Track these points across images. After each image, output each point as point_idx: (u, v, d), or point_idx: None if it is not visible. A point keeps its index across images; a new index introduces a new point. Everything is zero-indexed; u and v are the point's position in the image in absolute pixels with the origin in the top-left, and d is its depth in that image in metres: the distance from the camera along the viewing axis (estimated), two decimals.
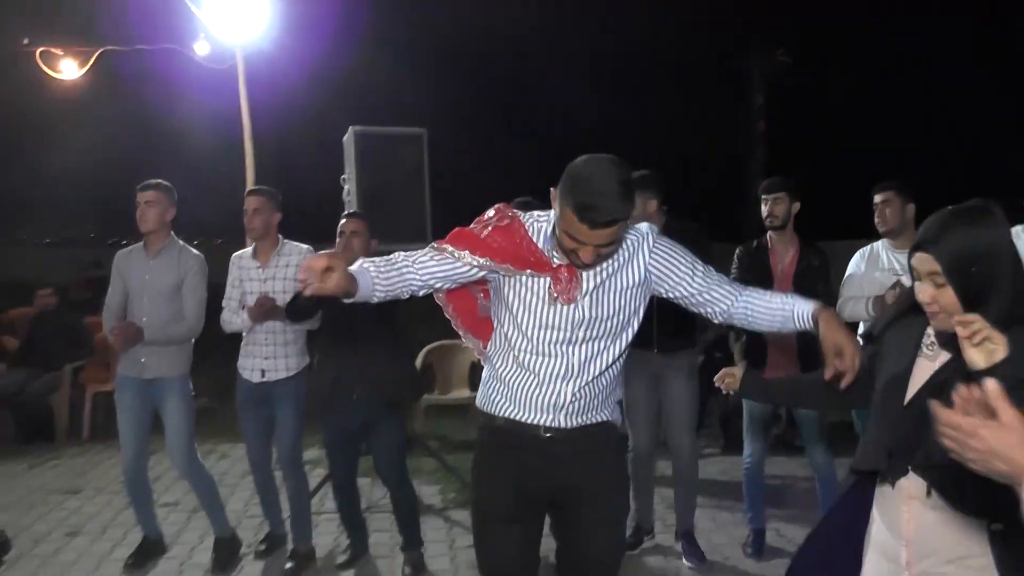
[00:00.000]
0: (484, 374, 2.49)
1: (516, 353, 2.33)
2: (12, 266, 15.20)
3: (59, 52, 7.52)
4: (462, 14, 18.45)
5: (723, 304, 2.34)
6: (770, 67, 20.35)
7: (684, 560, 4.12)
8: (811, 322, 2.20)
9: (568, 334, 2.27)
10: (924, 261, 1.82)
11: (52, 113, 13.30)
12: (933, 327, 1.89)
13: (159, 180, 4.14)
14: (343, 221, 3.98)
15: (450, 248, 2.26)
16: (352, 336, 3.81)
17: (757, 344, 4.10)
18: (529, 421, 2.34)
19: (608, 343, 2.32)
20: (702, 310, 2.37)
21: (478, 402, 2.48)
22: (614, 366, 2.37)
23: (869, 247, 4.11)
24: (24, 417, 6.67)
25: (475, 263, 2.24)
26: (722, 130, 21.42)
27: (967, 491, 1.72)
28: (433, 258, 2.26)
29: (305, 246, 4.19)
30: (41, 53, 7.44)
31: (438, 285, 2.31)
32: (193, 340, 4.19)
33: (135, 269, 4.12)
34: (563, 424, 2.33)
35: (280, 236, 4.19)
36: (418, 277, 2.26)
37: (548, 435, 2.33)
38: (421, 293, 2.34)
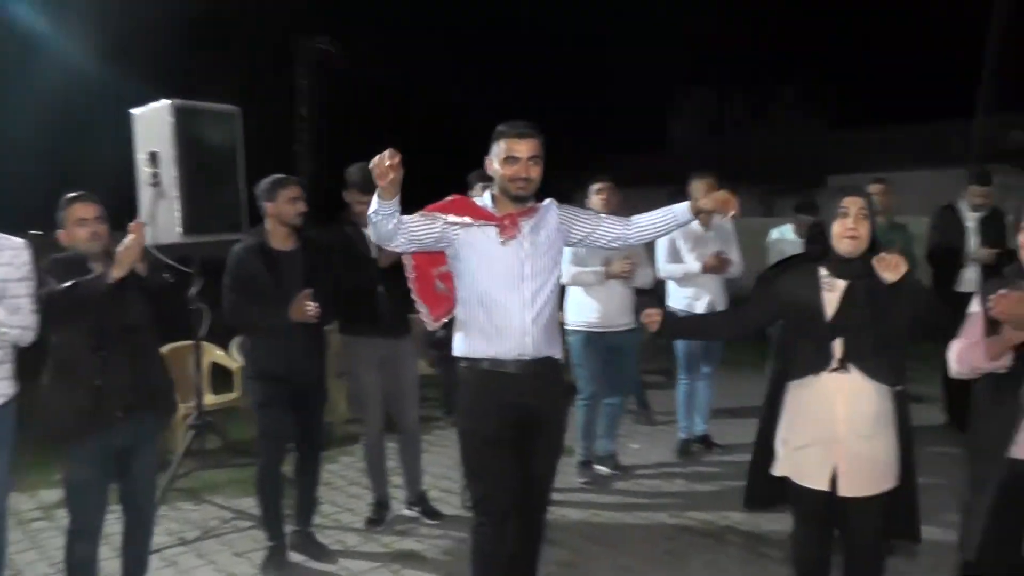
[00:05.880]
0: (457, 336, 3.10)
1: (482, 299, 2.99)
2: None
3: None
4: None
5: (617, 230, 3.16)
6: (314, 53, 21.36)
7: None
8: (690, 210, 3.04)
9: (518, 269, 2.98)
10: None
11: None
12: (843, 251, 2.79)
13: None
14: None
15: (427, 213, 2.99)
16: (119, 342, 3.21)
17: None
18: (503, 357, 2.98)
19: (545, 279, 3.05)
20: (603, 241, 3.19)
21: (459, 353, 3.08)
22: (551, 305, 3.07)
23: None
24: None
25: (446, 220, 2.97)
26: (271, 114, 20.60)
27: (881, 366, 2.76)
28: (416, 221, 2.94)
29: (20, 240, 3.24)
30: None
31: (424, 240, 2.96)
32: None
33: None
34: (528, 354, 2.98)
35: None
36: (406, 233, 2.90)
37: (518, 370, 2.99)
38: (400, 249, 3.00)
